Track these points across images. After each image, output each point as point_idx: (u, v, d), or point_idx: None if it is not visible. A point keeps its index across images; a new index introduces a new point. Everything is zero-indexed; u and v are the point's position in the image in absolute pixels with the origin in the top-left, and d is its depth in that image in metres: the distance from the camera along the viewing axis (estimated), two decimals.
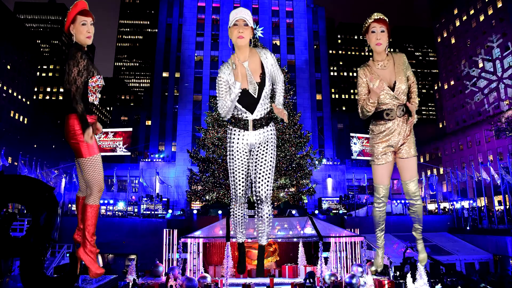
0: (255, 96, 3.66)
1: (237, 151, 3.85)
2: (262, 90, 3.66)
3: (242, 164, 3.88)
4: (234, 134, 3.85)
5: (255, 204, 3.94)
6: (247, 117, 3.75)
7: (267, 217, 3.91)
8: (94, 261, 4.03)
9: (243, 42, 3.62)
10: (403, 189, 4.27)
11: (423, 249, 4.52)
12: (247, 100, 3.67)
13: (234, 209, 4.05)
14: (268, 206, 3.87)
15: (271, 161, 3.82)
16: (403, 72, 3.97)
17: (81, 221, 4.13)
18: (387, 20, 3.91)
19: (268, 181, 3.80)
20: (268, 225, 3.96)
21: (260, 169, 3.80)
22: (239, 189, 3.91)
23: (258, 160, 3.82)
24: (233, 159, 3.87)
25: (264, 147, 3.83)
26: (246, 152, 3.88)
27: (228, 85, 3.67)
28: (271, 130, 3.86)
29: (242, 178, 3.89)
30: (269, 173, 3.80)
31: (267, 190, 3.80)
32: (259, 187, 3.80)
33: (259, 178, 3.80)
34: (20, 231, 16.92)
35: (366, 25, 3.94)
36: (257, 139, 3.83)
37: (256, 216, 3.97)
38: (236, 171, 3.88)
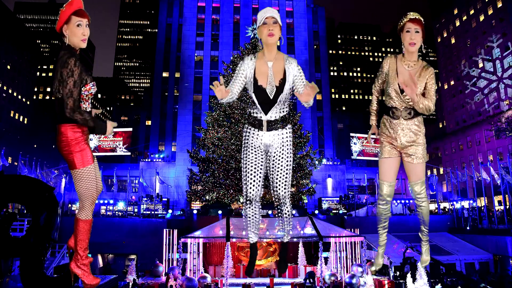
0: (271, 98, 3.68)
1: (252, 148, 3.87)
2: (279, 95, 3.68)
3: (256, 162, 3.88)
4: (249, 133, 3.89)
5: (275, 206, 4.02)
6: (261, 117, 3.78)
7: (286, 217, 4.05)
8: (88, 273, 3.86)
9: (274, 40, 3.66)
10: (409, 189, 4.28)
11: (427, 252, 4.46)
12: (263, 99, 3.70)
13: (246, 208, 4.01)
14: (287, 207, 3.99)
15: (287, 163, 3.87)
16: (422, 84, 3.93)
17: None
18: (422, 20, 3.92)
19: (285, 184, 3.87)
20: (288, 224, 4.10)
21: (277, 173, 3.86)
22: (250, 187, 3.88)
23: (276, 163, 3.86)
24: (247, 157, 3.89)
25: (279, 151, 3.86)
26: (261, 152, 3.89)
27: (243, 75, 3.73)
28: (286, 133, 3.89)
29: (255, 177, 3.87)
30: (286, 176, 3.86)
31: (285, 192, 3.89)
32: (277, 190, 3.87)
33: (277, 180, 3.86)
34: (20, 231, 16.93)
35: (402, 24, 3.96)
36: (272, 141, 3.84)
37: (277, 217, 4.09)
38: (248, 169, 3.88)
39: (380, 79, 4.21)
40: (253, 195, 3.89)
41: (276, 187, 3.86)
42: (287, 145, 3.87)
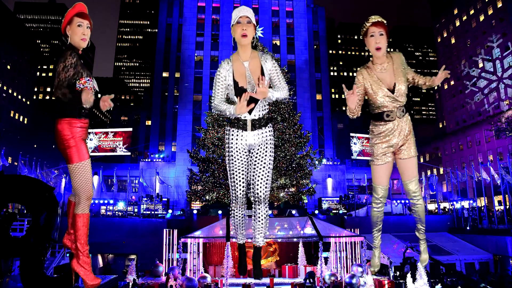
0: (253, 97, 3.66)
1: (237, 151, 3.84)
2: None
3: (242, 164, 3.87)
4: (233, 135, 3.85)
5: (253, 205, 3.94)
6: (245, 117, 3.75)
7: (264, 217, 3.93)
8: (90, 271, 3.89)
9: (247, 41, 3.67)
10: (403, 189, 4.27)
11: (425, 250, 4.48)
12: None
13: (234, 210, 4.03)
14: (266, 207, 3.90)
15: (269, 162, 3.84)
16: (402, 73, 3.96)
17: (71, 227, 4.03)
18: (385, 22, 3.91)
19: (266, 183, 3.82)
20: (265, 225, 3.99)
21: (259, 171, 3.81)
22: (239, 190, 3.89)
23: (257, 162, 3.83)
24: (232, 159, 3.86)
25: (263, 148, 3.84)
26: (245, 153, 3.88)
27: (225, 81, 3.72)
28: (269, 131, 3.87)
29: (242, 178, 3.88)
30: (268, 175, 3.82)
31: (266, 191, 3.83)
32: (257, 188, 3.81)
33: (258, 179, 3.81)
34: (20, 231, 16.92)
35: (365, 29, 3.93)
36: (256, 140, 3.82)
37: (253, 217, 3.97)
38: (235, 171, 3.87)
39: (359, 90, 4.04)
40: (242, 197, 3.91)
41: (256, 184, 3.80)
42: (270, 142, 3.85)
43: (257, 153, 3.84)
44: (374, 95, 3.97)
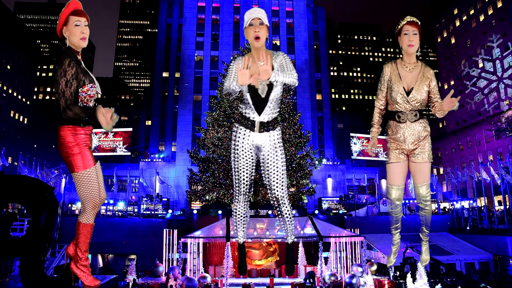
0: (263, 96, 3.68)
1: (243, 149, 3.88)
2: (271, 93, 3.68)
3: (247, 162, 3.91)
4: (240, 133, 3.88)
5: (274, 207, 4.04)
6: (254, 117, 3.77)
7: (287, 217, 4.07)
8: (88, 274, 3.86)
9: (260, 44, 3.71)
10: (415, 191, 4.30)
11: (427, 251, 4.54)
12: (256, 99, 3.71)
13: (236, 208, 4.07)
14: (286, 207, 4.01)
15: (282, 164, 3.90)
16: (425, 84, 4.01)
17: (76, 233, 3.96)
18: (419, 23, 4.03)
19: (282, 184, 3.90)
20: (290, 224, 4.14)
21: (274, 174, 3.88)
22: (243, 187, 3.94)
23: (270, 165, 3.88)
24: (238, 157, 3.90)
25: (273, 152, 3.88)
26: (251, 152, 3.91)
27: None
28: (277, 134, 3.91)
29: (247, 176, 3.92)
30: (282, 176, 3.90)
31: (283, 192, 3.91)
32: (275, 191, 3.90)
33: (274, 182, 3.88)
34: (20, 231, 16.95)
35: (399, 27, 4.06)
36: (263, 142, 3.86)
37: (277, 218, 4.12)
38: (240, 169, 3.91)
39: (383, 88, 4.17)
40: (244, 195, 3.97)
41: (274, 189, 3.88)
42: (279, 146, 3.90)
43: (268, 158, 3.88)
44: (392, 87, 4.04)
